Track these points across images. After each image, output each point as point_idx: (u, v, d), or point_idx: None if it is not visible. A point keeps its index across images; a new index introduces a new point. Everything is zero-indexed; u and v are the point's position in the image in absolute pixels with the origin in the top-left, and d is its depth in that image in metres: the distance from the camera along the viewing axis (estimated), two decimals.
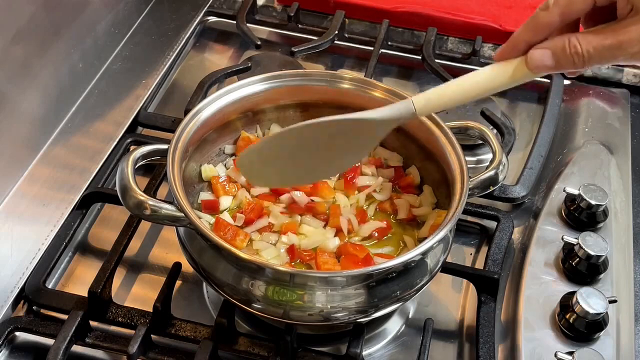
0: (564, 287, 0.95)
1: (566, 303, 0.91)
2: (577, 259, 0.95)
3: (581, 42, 0.72)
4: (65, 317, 0.87)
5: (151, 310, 0.88)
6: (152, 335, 0.88)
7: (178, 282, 0.93)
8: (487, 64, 1.27)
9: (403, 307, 0.95)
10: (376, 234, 0.92)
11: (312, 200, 0.94)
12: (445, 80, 1.23)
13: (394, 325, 0.95)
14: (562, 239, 0.97)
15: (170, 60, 1.26)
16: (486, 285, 0.95)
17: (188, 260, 0.86)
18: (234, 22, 1.34)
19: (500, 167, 0.89)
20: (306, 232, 0.91)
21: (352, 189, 0.96)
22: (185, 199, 0.81)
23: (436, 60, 1.25)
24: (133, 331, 0.86)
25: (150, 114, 1.17)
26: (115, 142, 1.11)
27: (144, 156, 0.86)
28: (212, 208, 0.93)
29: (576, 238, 0.95)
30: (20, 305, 0.93)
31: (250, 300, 0.81)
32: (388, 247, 0.92)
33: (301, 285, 0.80)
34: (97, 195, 1.03)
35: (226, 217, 0.92)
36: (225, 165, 0.99)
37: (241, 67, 1.22)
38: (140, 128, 1.16)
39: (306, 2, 1.36)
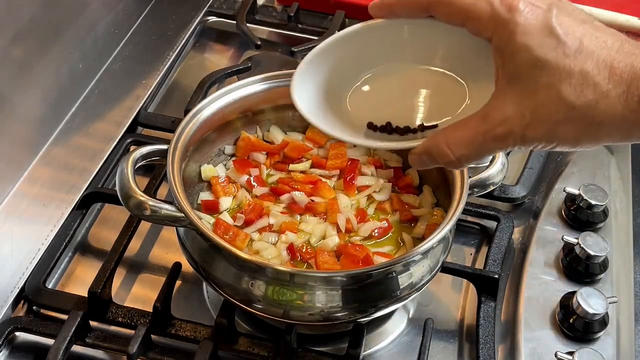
0: (564, 287, 0.95)
1: (566, 303, 0.91)
2: (577, 259, 0.95)
3: (452, 148, 0.65)
4: (65, 317, 0.87)
5: (151, 310, 0.88)
6: (152, 335, 0.88)
7: (178, 282, 0.93)
8: None
9: (403, 307, 0.95)
10: (376, 234, 0.92)
11: (312, 200, 0.94)
12: None
13: (394, 325, 0.95)
14: (562, 239, 0.97)
15: (170, 60, 1.26)
16: (486, 285, 0.95)
17: (188, 260, 0.86)
18: (234, 22, 1.34)
19: (500, 167, 0.89)
20: (308, 229, 0.91)
21: (352, 189, 0.96)
22: (185, 199, 0.81)
23: None
24: (133, 331, 0.86)
25: (150, 114, 1.17)
26: (115, 142, 1.10)
27: (144, 156, 0.86)
28: (211, 208, 0.93)
29: (576, 238, 0.95)
30: (20, 305, 0.93)
31: (250, 300, 0.81)
32: (388, 246, 0.92)
33: (301, 285, 0.80)
34: (97, 195, 1.03)
35: (226, 217, 0.92)
36: (225, 166, 0.99)
37: (241, 67, 1.22)
38: (140, 128, 1.16)
39: (306, 2, 1.36)
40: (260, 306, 0.81)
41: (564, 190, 1.03)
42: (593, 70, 0.59)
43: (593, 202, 1.00)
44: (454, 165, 0.67)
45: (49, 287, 0.94)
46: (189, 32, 1.33)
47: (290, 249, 0.88)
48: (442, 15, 0.65)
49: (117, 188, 0.82)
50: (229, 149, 1.00)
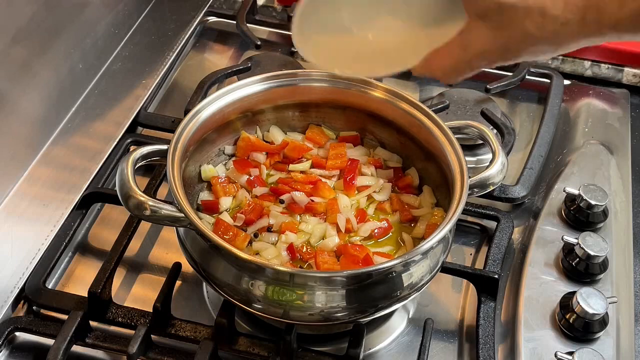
0: (564, 287, 0.95)
1: (566, 303, 0.91)
2: (577, 259, 0.95)
3: (440, 75, 0.76)
4: (65, 317, 0.88)
5: (151, 310, 0.88)
6: (152, 335, 0.88)
7: (178, 282, 0.93)
8: None
9: (403, 307, 0.95)
10: (376, 234, 0.92)
11: (312, 201, 0.94)
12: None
13: (394, 325, 0.95)
14: (562, 239, 0.97)
15: (170, 60, 1.26)
16: (486, 285, 0.95)
17: (188, 260, 0.86)
18: (234, 22, 1.34)
19: (500, 167, 0.89)
20: (308, 229, 0.91)
21: (352, 189, 0.96)
22: (185, 200, 0.82)
23: None
24: (133, 331, 0.86)
25: (150, 114, 1.17)
26: (115, 142, 1.11)
27: (144, 156, 0.86)
28: (211, 209, 0.93)
29: (576, 238, 0.96)
30: (20, 305, 0.93)
31: (250, 300, 0.81)
32: (388, 246, 0.92)
33: (301, 285, 0.80)
34: (97, 195, 1.03)
35: (226, 217, 0.92)
36: (225, 166, 0.99)
37: (241, 67, 1.22)
38: (140, 128, 1.16)
39: None
40: (260, 306, 0.81)
41: (564, 191, 1.03)
42: (549, 4, 0.65)
43: (593, 202, 1.00)
44: (444, 82, 0.78)
45: (49, 287, 0.94)
46: (189, 32, 1.33)
47: (290, 249, 0.88)
48: None
49: (117, 188, 0.82)
50: (229, 149, 1.00)
